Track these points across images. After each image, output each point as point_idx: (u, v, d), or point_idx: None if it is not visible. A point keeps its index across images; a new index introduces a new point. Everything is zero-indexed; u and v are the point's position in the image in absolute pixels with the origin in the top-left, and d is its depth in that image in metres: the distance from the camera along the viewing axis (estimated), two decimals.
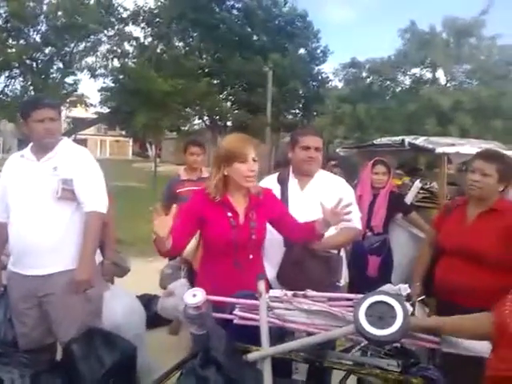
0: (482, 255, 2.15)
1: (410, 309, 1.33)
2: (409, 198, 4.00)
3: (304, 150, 2.54)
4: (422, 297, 1.93)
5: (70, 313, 2.29)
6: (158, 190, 12.95)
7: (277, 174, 2.68)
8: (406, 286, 1.70)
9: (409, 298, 1.69)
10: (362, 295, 1.53)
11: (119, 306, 2.56)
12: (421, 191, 4.09)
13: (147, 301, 3.63)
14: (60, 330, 2.32)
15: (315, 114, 23.07)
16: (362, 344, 1.59)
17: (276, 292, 1.71)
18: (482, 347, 1.43)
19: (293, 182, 2.57)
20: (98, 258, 2.54)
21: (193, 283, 3.06)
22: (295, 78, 20.31)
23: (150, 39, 17.96)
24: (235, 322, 1.71)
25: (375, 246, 3.59)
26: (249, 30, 21.77)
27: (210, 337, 1.52)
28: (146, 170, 22.19)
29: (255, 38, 21.91)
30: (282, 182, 2.57)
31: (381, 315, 1.27)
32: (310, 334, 1.55)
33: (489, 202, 2.31)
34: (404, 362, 1.51)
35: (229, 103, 23.18)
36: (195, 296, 1.66)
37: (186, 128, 19.94)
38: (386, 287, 1.67)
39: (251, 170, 2.09)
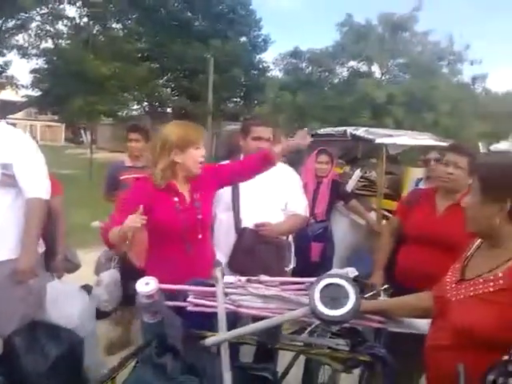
0: (454, 245, 2.10)
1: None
2: (349, 187, 4.18)
3: (255, 141, 2.58)
4: (386, 285, 1.99)
5: (11, 304, 2.19)
6: (94, 177, 12.47)
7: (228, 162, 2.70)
8: (353, 269, 1.79)
9: (373, 286, 1.77)
10: (312, 278, 1.60)
11: (75, 308, 2.48)
12: (360, 180, 4.27)
13: (88, 292, 3.54)
14: (1, 322, 2.21)
15: (256, 102, 23.16)
16: (313, 325, 1.66)
17: (230, 278, 1.73)
18: (424, 325, 1.55)
19: None
20: (41, 247, 2.44)
21: (126, 273, 3.05)
22: (236, 65, 20.21)
23: (85, 19, 17.06)
24: (189, 309, 1.71)
25: (318, 233, 3.72)
26: (189, 14, 21.31)
27: (165, 324, 1.51)
28: (81, 157, 21.26)
29: (196, 23, 21.51)
30: None
31: (334, 296, 1.33)
32: (264, 318, 1.59)
33: (458, 194, 2.35)
34: (352, 341, 1.59)
35: (169, 89, 22.66)
36: (148, 284, 1.65)
37: (124, 113, 19.24)
38: (334, 271, 1.75)
39: (202, 157, 2.12)
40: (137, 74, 15.86)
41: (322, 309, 1.31)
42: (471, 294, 1.37)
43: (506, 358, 1.25)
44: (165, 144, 2.08)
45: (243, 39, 22.18)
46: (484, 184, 1.39)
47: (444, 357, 1.38)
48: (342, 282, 1.35)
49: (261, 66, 23.06)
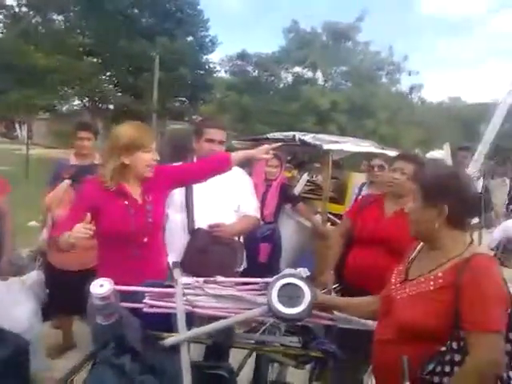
0: (400, 247, 2.20)
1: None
2: (297, 190, 4.30)
3: (208, 143, 2.60)
4: (337, 284, 2.07)
5: None
6: (30, 174, 11.86)
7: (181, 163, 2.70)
8: (305, 269, 1.88)
9: (325, 285, 1.86)
10: (267, 279, 1.67)
11: (24, 313, 2.39)
12: (307, 183, 4.42)
13: None
14: None
15: (202, 102, 23.03)
16: (267, 324, 1.72)
17: (187, 279, 1.76)
18: (371, 322, 1.67)
19: None
20: None
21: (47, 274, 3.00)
22: (183, 64, 20.00)
23: (24, 9, 16.20)
24: (145, 310, 1.71)
25: (266, 234, 3.80)
26: (136, 11, 20.84)
27: (123, 325, 1.52)
28: (16, 153, 20.12)
29: (143, 20, 21.06)
30: None
31: (291, 296, 1.40)
32: (220, 318, 1.63)
33: (405, 199, 2.44)
34: (304, 338, 1.67)
35: (112, 86, 22.02)
36: (102, 286, 1.64)
37: (63, 109, 18.49)
38: (288, 271, 1.82)
39: (154, 160, 2.11)
40: (79, 69, 15.30)
41: (280, 307, 1.38)
42: (414, 292, 1.50)
43: (443, 349, 1.39)
44: (115, 145, 2.07)
45: (190, 39, 22.00)
46: (424, 191, 1.53)
47: (389, 350, 1.49)
48: (299, 282, 1.43)
49: (207, 67, 22.97)
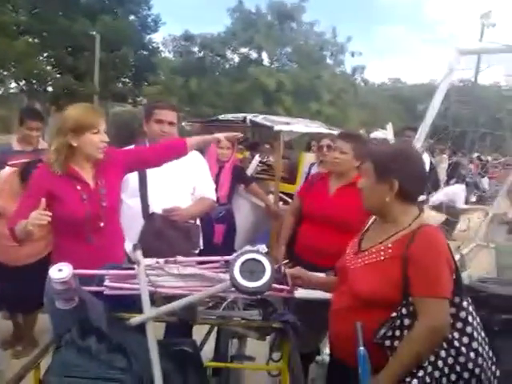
0: (345, 223, 2.40)
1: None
2: (249, 171, 4.36)
3: (158, 124, 2.59)
4: (287, 260, 2.15)
5: None
6: None
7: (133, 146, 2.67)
8: (264, 246, 1.95)
9: (276, 260, 1.94)
10: (227, 257, 1.73)
11: None
12: (259, 164, 4.48)
13: None
14: None
15: (146, 84, 22.40)
16: (228, 300, 1.78)
17: (147, 260, 1.77)
18: (328, 294, 1.78)
19: None
20: None
21: None
22: (125, 44, 19.30)
23: None
24: (106, 292, 1.72)
25: (221, 216, 3.85)
26: None
27: (88, 308, 1.52)
28: None
29: None
30: None
31: (252, 270, 1.46)
32: (184, 296, 1.67)
33: (348, 176, 2.61)
34: (264, 311, 1.74)
35: (50, 67, 20.90)
36: (61, 271, 1.63)
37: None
38: (248, 248, 1.88)
39: (103, 142, 2.09)
40: (14, 49, 14.40)
41: (242, 281, 1.43)
42: (366, 262, 1.61)
43: (394, 314, 1.50)
44: (62, 127, 2.03)
45: (132, 18, 21.24)
46: (376, 167, 1.63)
47: (345, 318, 1.60)
48: (260, 257, 1.49)
49: (151, 47, 22.32)
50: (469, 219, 5.16)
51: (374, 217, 1.77)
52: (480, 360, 1.47)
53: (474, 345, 1.47)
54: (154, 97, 16.28)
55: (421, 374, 1.44)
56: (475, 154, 14.51)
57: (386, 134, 5.39)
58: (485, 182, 12.72)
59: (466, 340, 1.47)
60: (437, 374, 1.44)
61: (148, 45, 22.31)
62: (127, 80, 23.12)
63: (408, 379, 1.45)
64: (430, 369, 1.45)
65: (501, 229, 5.70)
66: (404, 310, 1.49)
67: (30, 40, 17.87)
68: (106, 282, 1.76)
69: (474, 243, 4.25)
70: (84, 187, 2.07)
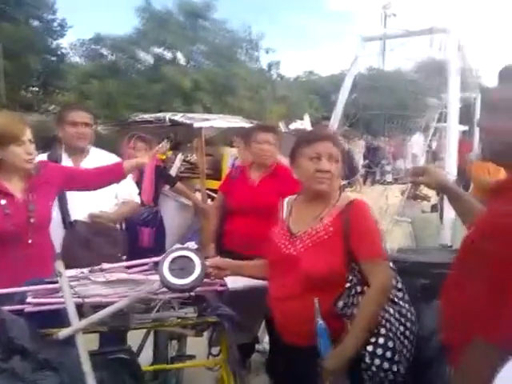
0: (268, 211, 2.31)
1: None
2: (173, 171, 4.30)
3: (72, 126, 2.50)
4: (218, 257, 2.14)
5: None
6: None
7: (46, 154, 2.54)
8: (193, 242, 1.94)
9: (207, 257, 1.93)
10: (155, 258, 1.70)
11: None
12: (183, 163, 4.44)
13: None
14: None
15: (57, 91, 21.25)
16: (160, 302, 1.75)
17: (71, 271, 1.70)
18: (260, 281, 1.80)
19: (67, 161, 2.51)
20: None
21: None
22: (30, 51, 18.09)
23: None
24: (28, 310, 1.62)
25: (148, 219, 3.75)
26: None
27: (7, 328, 1.42)
28: None
29: None
30: (55, 162, 2.46)
31: (182, 267, 1.45)
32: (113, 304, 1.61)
33: (268, 166, 2.70)
34: (199, 307, 1.73)
35: None
36: None
37: None
38: (176, 246, 1.86)
39: (29, 153, 1.97)
40: None
41: (173, 280, 1.42)
42: (310, 244, 1.64)
43: (348, 285, 1.57)
44: None
45: (36, 23, 19.95)
46: None
47: (294, 304, 1.63)
48: (189, 253, 1.48)
49: (59, 53, 21.14)
50: (386, 196, 5.48)
51: (287, 203, 1.83)
52: (409, 314, 1.60)
53: (406, 298, 1.62)
54: (67, 104, 15.48)
55: (383, 331, 1.53)
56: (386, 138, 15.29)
57: (304, 124, 5.56)
58: (400, 163, 13.61)
59: (400, 295, 1.62)
60: (394, 328, 1.54)
61: (55, 50, 21.11)
62: (36, 88, 21.75)
63: (373, 339, 1.53)
64: (388, 325, 1.54)
65: (414, 204, 6.12)
66: (355, 279, 1.58)
67: None
68: (29, 299, 1.66)
69: (389, 218, 4.52)
70: (9, 201, 1.95)
